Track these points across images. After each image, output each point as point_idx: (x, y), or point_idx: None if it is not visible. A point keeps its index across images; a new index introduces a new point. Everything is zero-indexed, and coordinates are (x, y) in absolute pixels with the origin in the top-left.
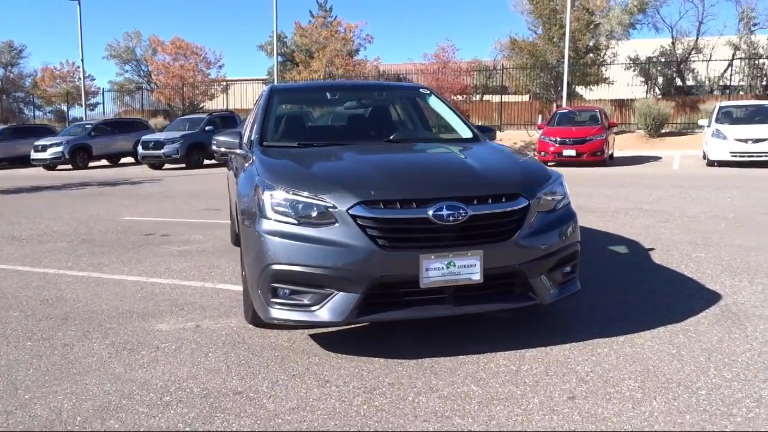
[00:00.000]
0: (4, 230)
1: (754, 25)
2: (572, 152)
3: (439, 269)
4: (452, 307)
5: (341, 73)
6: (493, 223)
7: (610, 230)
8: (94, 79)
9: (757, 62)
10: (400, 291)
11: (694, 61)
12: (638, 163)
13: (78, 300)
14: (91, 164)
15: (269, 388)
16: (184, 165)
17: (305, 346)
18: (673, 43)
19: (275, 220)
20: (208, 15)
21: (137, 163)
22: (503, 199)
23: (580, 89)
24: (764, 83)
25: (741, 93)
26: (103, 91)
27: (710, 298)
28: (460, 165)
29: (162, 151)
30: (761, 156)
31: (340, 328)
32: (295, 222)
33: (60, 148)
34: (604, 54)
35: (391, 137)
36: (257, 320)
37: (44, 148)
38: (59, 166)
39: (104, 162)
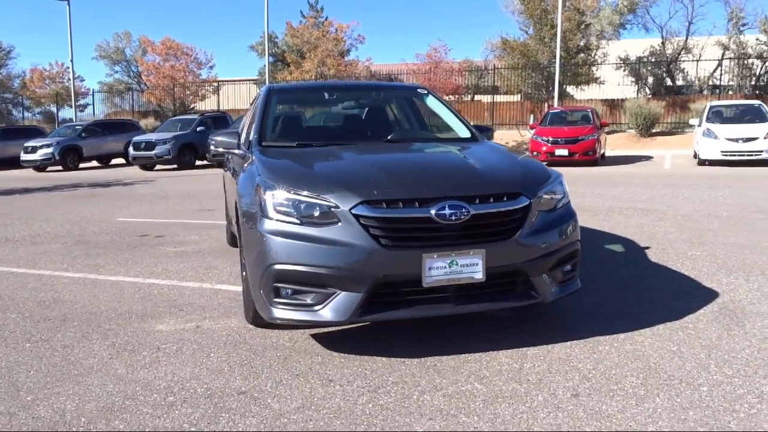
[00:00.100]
0: None
1: (743, 25)
2: (564, 152)
3: (441, 268)
4: (454, 306)
5: (333, 74)
6: (495, 222)
7: (605, 229)
8: (83, 80)
9: (746, 62)
10: (402, 290)
11: (683, 61)
12: (630, 162)
13: (76, 301)
14: (81, 165)
15: (273, 388)
16: (175, 166)
17: (307, 345)
18: (662, 43)
19: (277, 220)
20: (199, 15)
21: (128, 164)
22: (505, 198)
23: (571, 89)
24: (753, 83)
25: (730, 93)
26: (93, 92)
27: (707, 295)
28: (461, 164)
29: (153, 152)
30: (752, 155)
31: (340, 327)
32: (298, 222)
33: (50, 150)
34: (595, 54)
35: (390, 137)
36: (258, 320)
37: (34, 150)
38: (49, 168)
39: (95, 163)
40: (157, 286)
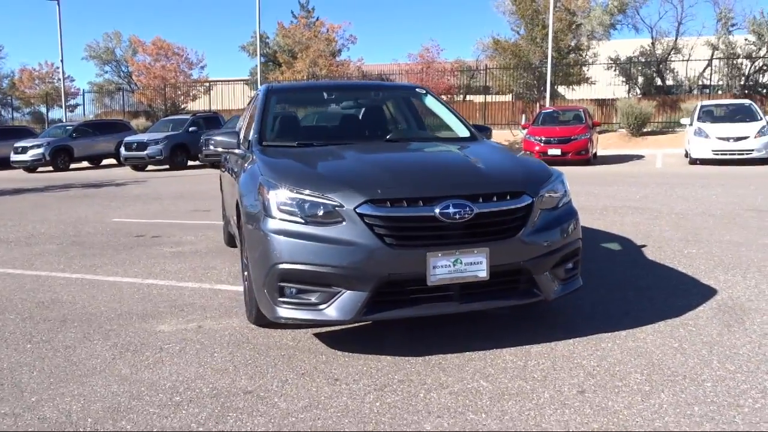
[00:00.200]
0: None
1: (732, 25)
2: (557, 151)
3: (445, 267)
4: (458, 304)
5: (324, 74)
6: (498, 221)
7: (601, 227)
8: (73, 80)
9: (735, 62)
10: (407, 289)
11: (673, 61)
12: (622, 161)
13: (75, 302)
14: (72, 166)
15: (279, 387)
16: (167, 166)
17: (310, 344)
18: (652, 43)
19: (281, 219)
20: (190, 15)
21: (119, 164)
22: (508, 197)
23: (562, 89)
24: (742, 83)
25: (720, 92)
26: (83, 92)
27: (706, 293)
28: (464, 163)
29: (145, 152)
30: (743, 154)
31: (343, 326)
32: (302, 221)
33: (41, 150)
34: (586, 54)
35: (390, 136)
36: (260, 320)
37: (24, 150)
38: (40, 168)
39: (85, 164)
40: (156, 286)
